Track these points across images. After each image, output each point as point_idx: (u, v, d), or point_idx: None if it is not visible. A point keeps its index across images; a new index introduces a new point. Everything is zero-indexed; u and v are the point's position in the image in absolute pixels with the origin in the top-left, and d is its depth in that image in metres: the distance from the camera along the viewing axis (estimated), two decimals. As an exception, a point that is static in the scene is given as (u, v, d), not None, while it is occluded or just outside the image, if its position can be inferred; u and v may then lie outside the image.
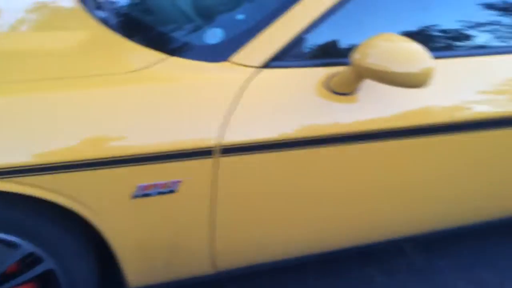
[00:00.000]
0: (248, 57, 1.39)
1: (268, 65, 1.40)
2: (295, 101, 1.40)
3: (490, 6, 1.74)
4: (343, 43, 1.49)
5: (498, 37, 1.72)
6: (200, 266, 1.56)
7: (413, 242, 2.35)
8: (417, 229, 1.84)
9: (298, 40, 1.42)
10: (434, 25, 1.62)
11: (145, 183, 1.30)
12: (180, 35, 1.51)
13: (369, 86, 1.48)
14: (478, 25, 1.71)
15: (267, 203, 1.47)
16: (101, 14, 1.75)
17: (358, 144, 1.47)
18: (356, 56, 1.32)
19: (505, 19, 1.75)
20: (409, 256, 2.28)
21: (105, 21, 1.67)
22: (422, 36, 1.59)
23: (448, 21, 1.65)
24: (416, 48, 1.30)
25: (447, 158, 1.64)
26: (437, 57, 1.59)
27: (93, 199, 1.27)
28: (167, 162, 1.29)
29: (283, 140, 1.38)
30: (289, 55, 1.42)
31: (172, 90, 1.31)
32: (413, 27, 1.60)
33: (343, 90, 1.43)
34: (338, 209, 1.59)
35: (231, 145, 1.33)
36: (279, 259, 1.70)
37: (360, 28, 1.49)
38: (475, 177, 1.76)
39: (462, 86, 1.61)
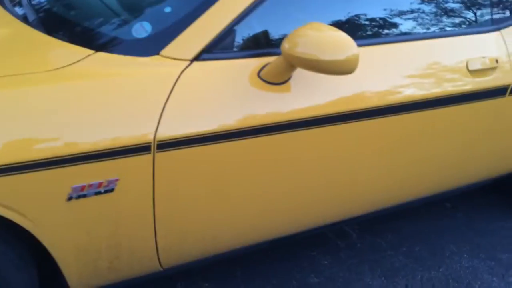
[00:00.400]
0: (179, 50, 1.38)
1: (199, 57, 1.40)
2: (228, 93, 1.41)
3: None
4: (274, 34, 1.51)
5: (420, 24, 1.81)
6: (146, 265, 1.54)
7: (355, 223, 2.43)
8: (356, 211, 1.91)
9: (228, 32, 1.43)
10: (361, 14, 1.68)
11: (80, 183, 1.27)
12: (107, 30, 1.48)
13: (302, 74, 1.51)
14: (402, 13, 1.78)
15: (206, 197, 1.47)
16: (21, 11, 1.68)
17: (294, 132, 1.50)
18: (285, 46, 1.35)
19: (427, 7, 1.84)
20: (350, 237, 2.36)
21: (25, 18, 1.61)
22: (349, 25, 1.65)
23: (373, 10, 1.72)
24: (342, 36, 1.34)
25: (379, 140, 1.70)
26: (363, 45, 1.65)
27: (26, 204, 1.23)
28: (101, 160, 1.27)
29: (218, 132, 1.39)
30: (221, 47, 1.43)
31: (100, 86, 1.28)
32: (340, 16, 1.65)
33: (276, 80, 1.46)
34: (279, 197, 1.62)
35: (166, 140, 1.32)
36: (225, 251, 1.71)
37: (289, 18, 1.52)
38: (407, 156, 1.84)
39: (390, 71, 1.67)
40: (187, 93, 1.35)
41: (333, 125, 1.56)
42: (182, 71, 1.36)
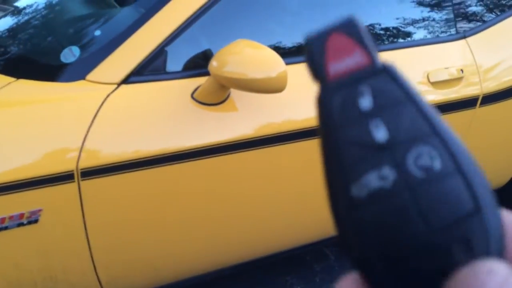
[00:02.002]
0: (105, 74, 1.34)
1: (127, 80, 1.35)
2: (158, 116, 1.35)
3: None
4: (207, 53, 1.45)
5: (377, 35, 1.73)
6: (91, 296, 1.48)
7: (332, 244, 2.32)
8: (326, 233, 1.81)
9: (159, 53, 1.38)
10: (286, 35, 1.61)
11: (0, 216, 1.22)
12: (32, 56, 1.44)
13: (239, 94, 1.45)
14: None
15: (140, 225, 1.41)
16: None
17: (228, 155, 1.43)
18: (213, 65, 1.29)
19: (384, 16, 1.76)
20: (328, 259, 2.25)
21: None
22: (278, 43, 1.57)
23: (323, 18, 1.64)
24: (271, 54, 1.28)
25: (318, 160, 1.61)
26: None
27: None
28: (22, 191, 1.22)
29: (146, 157, 1.32)
30: (151, 69, 1.37)
31: (20, 113, 1.24)
32: (270, 33, 1.57)
33: (211, 100, 1.39)
34: (216, 224, 1.53)
35: (89, 167, 1.26)
36: (175, 280, 1.62)
37: (222, 37, 1.46)
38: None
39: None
40: (113, 118, 1.30)
41: (270, 146, 1.48)
42: (108, 95, 1.31)
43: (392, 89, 0.21)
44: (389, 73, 0.21)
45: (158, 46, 1.37)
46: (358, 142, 0.20)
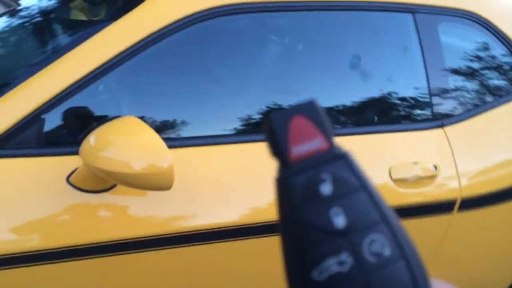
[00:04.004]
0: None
1: (-18, 154, 1.05)
2: (21, 203, 1.05)
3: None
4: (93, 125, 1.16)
5: (333, 117, 1.42)
6: None
7: None
8: None
9: (31, 121, 1.09)
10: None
11: None
12: None
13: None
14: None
15: None
16: None
17: (111, 257, 1.11)
18: (83, 153, 0.99)
19: (343, 97, 1.45)
20: None
21: None
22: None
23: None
24: (158, 141, 0.98)
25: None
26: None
27: None
28: None
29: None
30: (18, 141, 1.08)
31: None
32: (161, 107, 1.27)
33: (92, 187, 1.08)
34: None
35: None
36: None
37: (117, 106, 1.17)
38: None
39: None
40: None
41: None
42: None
43: (349, 176, 0.22)
44: (345, 161, 0.23)
45: (30, 113, 1.08)
46: (319, 228, 0.21)
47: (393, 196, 1.35)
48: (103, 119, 1.13)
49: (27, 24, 1.59)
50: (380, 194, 0.23)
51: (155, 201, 1.13)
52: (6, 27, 1.58)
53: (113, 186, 1.10)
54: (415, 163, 1.39)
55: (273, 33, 1.48)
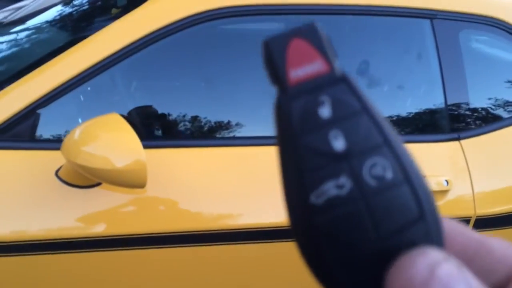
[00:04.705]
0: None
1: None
2: (12, 192, 1.07)
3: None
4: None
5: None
6: None
7: None
8: None
9: (27, 115, 1.12)
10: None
11: None
12: None
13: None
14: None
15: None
16: None
17: (98, 252, 1.11)
18: (65, 148, 1.00)
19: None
20: None
21: None
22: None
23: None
24: (135, 139, 0.98)
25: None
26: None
27: None
28: None
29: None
30: (12, 134, 1.11)
31: None
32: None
33: (80, 182, 1.10)
34: None
35: None
36: None
37: (111, 102, 1.18)
38: None
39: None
40: None
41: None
42: None
43: (350, 99, 0.21)
44: (347, 83, 0.22)
45: (26, 107, 1.11)
46: (317, 151, 0.21)
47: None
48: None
49: (57, 21, 1.65)
50: (383, 117, 0.22)
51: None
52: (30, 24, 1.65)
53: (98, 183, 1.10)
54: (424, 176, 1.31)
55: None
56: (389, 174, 0.20)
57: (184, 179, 1.16)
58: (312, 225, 0.20)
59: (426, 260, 0.19)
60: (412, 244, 0.20)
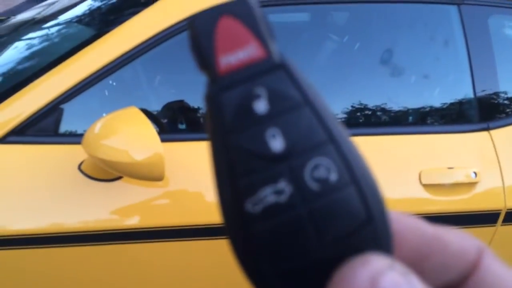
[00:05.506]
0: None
1: (4, 140, 1.12)
2: (36, 186, 1.10)
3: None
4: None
5: (361, 116, 1.34)
6: None
7: None
8: None
9: (51, 110, 1.14)
10: None
11: None
12: None
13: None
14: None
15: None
16: None
17: (118, 245, 1.13)
18: (86, 140, 1.02)
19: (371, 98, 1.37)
20: None
21: None
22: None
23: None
24: (151, 131, 0.99)
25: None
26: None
27: None
28: None
29: (9, 236, 1.08)
30: (38, 129, 1.14)
31: None
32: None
33: (102, 176, 1.12)
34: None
35: None
36: None
37: (132, 97, 1.19)
38: None
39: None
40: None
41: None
42: (-24, 155, 1.10)
43: (289, 90, 0.19)
44: (286, 70, 0.19)
45: (49, 103, 1.14)
46: (252, 153, 0.18)
47: (423, 202, 1.25)
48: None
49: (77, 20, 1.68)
50: (329, 110, 0.19)
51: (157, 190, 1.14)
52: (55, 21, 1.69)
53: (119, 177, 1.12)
54: (451, 168, 1.27)
55: (299, 27, 1.43)
56: (333, 176, 0.18)
57: (209, 172, 1.17)
58: (248, 235, 0.18)
59: (368, 270, 0.17)
60: (357, 250, 0.18)
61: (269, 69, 0.19)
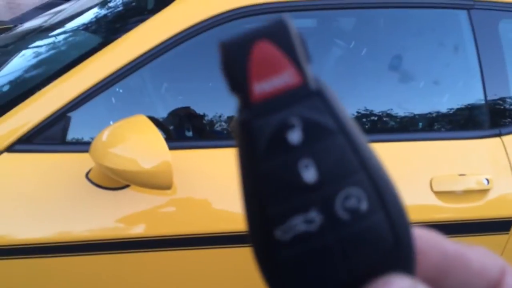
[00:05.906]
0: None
1: (11, 148, 1.11)
2: (43, 195, 1.09)
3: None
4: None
5: (373, 122, 1.32)
6: None
7: None
8: None
9: (58, 118, 1.14)
10: None
11: None
12: None
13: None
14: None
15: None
16: None
17: (125, 254, 1.12)
18: (94, 148, 1.01)
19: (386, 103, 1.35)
20: None
21: None
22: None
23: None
24: (159, 139, 0.98)
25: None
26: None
27: None
28: None
29: (15, 245, 1.07)
30: (45, 137, 1.13)
31: None
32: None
33: (109, 184, 1.11)
34: None
35: None
36: None
37: (140, 105, 1.18)
38: None
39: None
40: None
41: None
42: (-18, 164, 1.09)
43: (324, 119, 0.18)
44: (321, 98, 0.18)
45: (57, 111, 1.13)
46: (285, 182, 0.18)
47: (433, 209, 1.23)
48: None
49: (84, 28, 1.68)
50: (362, 135, 0.19)
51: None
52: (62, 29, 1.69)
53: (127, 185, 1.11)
54: (462, 175, 1.25)
55: (308, 32, 1.42)
56: (363, 205, 0.18)
57: (217, 179, 1.15)
58: (277, 261, 0.18)
59: None
60: (381, 272, 0.18)
61: (304, 97, 0.18)
